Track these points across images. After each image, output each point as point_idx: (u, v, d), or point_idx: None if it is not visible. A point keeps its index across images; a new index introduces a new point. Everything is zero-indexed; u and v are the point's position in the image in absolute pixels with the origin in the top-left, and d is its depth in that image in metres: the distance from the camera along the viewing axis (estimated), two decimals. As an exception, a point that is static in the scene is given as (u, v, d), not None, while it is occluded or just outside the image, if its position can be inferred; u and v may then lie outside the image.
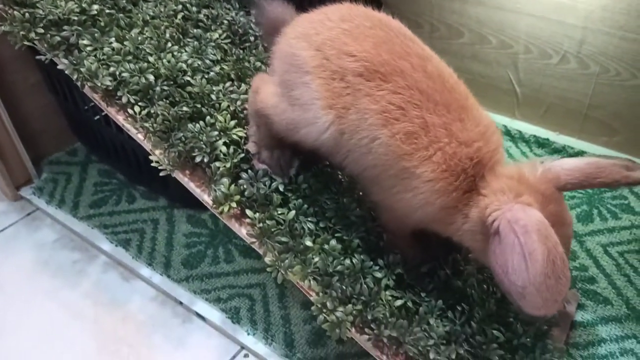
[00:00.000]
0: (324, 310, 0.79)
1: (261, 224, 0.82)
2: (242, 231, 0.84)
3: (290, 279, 0.81)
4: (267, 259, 0.81)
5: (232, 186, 0.83)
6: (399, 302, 0.80)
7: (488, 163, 0.71)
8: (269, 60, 0.84)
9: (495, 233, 0.66)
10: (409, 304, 0.82)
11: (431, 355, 0.77)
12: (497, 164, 0.73)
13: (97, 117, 1.25)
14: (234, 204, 0.83)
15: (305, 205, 0.85)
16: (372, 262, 0.84)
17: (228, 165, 0.84)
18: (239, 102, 0.93)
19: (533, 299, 0.63)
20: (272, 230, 0.82)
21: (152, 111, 0.89)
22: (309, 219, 0.84)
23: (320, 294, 0.80)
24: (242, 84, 0.97)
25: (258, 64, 1.02)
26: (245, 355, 0.96)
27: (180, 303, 1.03)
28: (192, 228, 1.18)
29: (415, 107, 0.70)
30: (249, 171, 0.86)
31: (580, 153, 1.33)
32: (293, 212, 0.83)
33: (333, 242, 0.83)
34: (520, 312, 0.65)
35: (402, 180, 0.73)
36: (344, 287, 0.80)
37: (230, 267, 1.09)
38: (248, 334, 0.97)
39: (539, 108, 1.39)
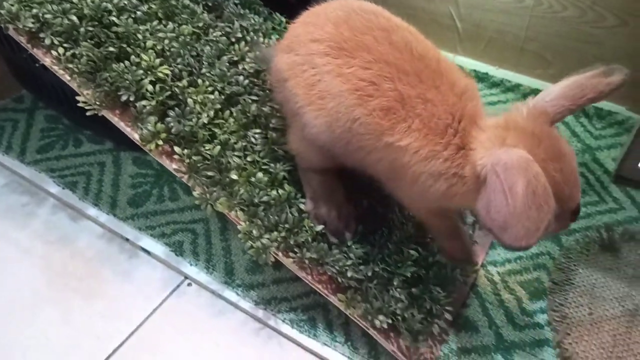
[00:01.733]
0: (250, 238, 0.84)
1: (189, 160, 0.86)
2: (172, 166, 0.88)
3: (218, 210, 0.86)
4: (196, 193, 0.86)
5: (159, 124, 0.86)
6: (319, 228, 0.86)
7: (471, 118, 0.70)
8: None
9: (484, 181, 0.65)
10: (331, 230, 0.88)
11: (349, 274, 0.84)
12: (479, 118, 0.71)
13: (37, 64, 1.24)
14: (160, 142, 0.86)
15: (232, 140, 0.89)
16: (298, 194, 0.89)
17: (154, 103, 0.87)
18: (166, 41, 0.94)
19: (515, 230, 0.61)
20: (199, 165, 0.86)
21: (77, 52, 0.89)
22: (236, 153, 0.88)
23: (247, 222, 0.85)
24: (170, 23, 0.97)
25: (187, 2, 1.02)
26: (189, 284, 1.02)
27: (127, 239, 1.08)
28: (138, 169, 1.21)
29: (387, 80, 0.70)
30: (176, 109, 0.88)
31: (516, 86, 1.38)
32: (218, 148, 0.87)
33: (260, 174, 0.88)
34: (503, 246, 0.63)
35: (391, 159, 0.73)
36: (270, 216, 0.85)
37: (174, 204, 1.14)
38: (191, 264, 1.03)
39: (479, 43, 1.42)
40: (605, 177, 1.19)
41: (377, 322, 0.83)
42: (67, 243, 1.09)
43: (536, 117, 0.69)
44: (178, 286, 1.02)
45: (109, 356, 0.92)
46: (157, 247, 1.06)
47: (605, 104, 1.32)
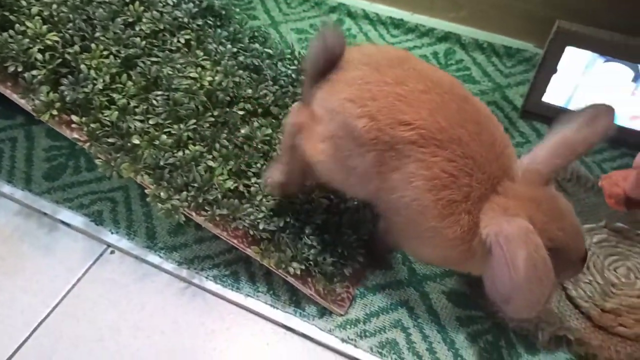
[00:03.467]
0: (160, 200, 0.85)
1: (87, 128, 0.85)
2: (73, 135, 0.87)
3: (123, 176, 0.86)
4: (98, 161, 0.85)
5: (52, 93, 0.84)
6: (229, 184, 0.88)
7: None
8: (308, 94, 0.78)
9: (490, 250, 0.68)
10: (241, 187, 0.89)
11: (261, 226, 0.87)
12: None
13: None
14: (55, 111, 0.84)
15: (132, 105, 0.88)
16: (205, 152, 0.90)
17: (44, 72, 0.84)
18: (54, 6, 0.90)
19: (517, 303, 0.64)
20: (98, 132, 0.85)
21: (-46, 24, 0.85)
22: (137, 117, 0.88)
23: (154, 186, 0.86)
24: (57, -15, 0.93)
25: (74, -38, 0.98)
26: (112, 252, 1.03)
27: (45, 214, 1.07)
28: (52, 142, 1.18)
29: (467, 176, 0.70)
30: (69, 76, 0.86)
31: (430, 31, 1.40)
32: (116, 113, 0.86)
33: (164, 137, 0.88)
34: (506, 316, 0.69)
35: (426, 236, 0.74)
36: (177, 178, 0.86)
37: (92, 174, 1.12)
38: (112, 232, 1.03)
39: (394, -12, 1.42)
40: (513, 113, 1.24)
41: (291, 269, 0.87)
42: (-18, 223, 1.07)
43: (531, 180, 0.71)
44: (101, 255, 1.03)
45: (35, 329, 0.93)
46: (77, 219, 1.05)
47: (514, 42, 1.36)
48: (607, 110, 0.71)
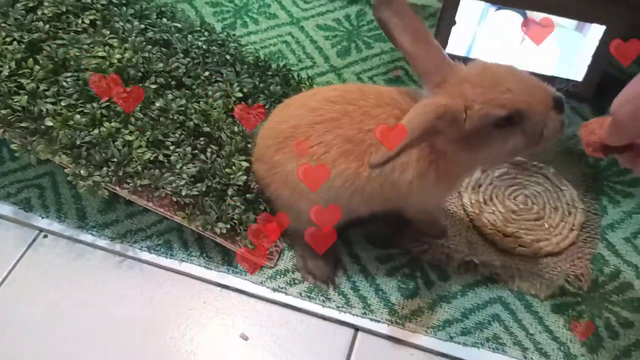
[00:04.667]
0: (81, 178, 0.88)
1: (-2, 114, 0.86)
2: (-15, 124, 0.88)
3: (41, 157, 0.88)
4: (14, 145, 0.87)
5: (-44, 83, 0.85)
6: (147, 155, 0.91)
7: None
8: None
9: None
10: (160, 157, 0.93)
11: (183, 192, 0.91)
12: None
13: None
14: (-39, 101, 0.85)
15: (41, 88, 0.90)
16: (121, 128, 0.93)
17: (-55, 63, 0.85)
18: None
19: None
20: (10, 118, 0.86)
21: None
22: (48, 100, 0.89)
23: (73, 164, 0.88)
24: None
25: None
26: (45, 236, 1.05)
27: (-29, 207, 1.07)
28: (-29, 136, 1.17)
29: (326, 133, 0.78)
30: (-27, 66, 0.87)
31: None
32: (25, 97, 0.87)
33: (77, 117, 0.90)
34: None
35: (384, 187, 0.79)
36: (95, 155, 0.89)
37: (16, 163, 1.12)
38: (42, 217, 1.05)
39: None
40: (422, 66, 1.32)
41: (217, 230, 0.92)
42: None
43: (445, 75, 0.70)
44: (34, 240, 1.04)
45: (-26, 318, 0.95)
46: (5, 208, 1.06)
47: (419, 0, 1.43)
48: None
